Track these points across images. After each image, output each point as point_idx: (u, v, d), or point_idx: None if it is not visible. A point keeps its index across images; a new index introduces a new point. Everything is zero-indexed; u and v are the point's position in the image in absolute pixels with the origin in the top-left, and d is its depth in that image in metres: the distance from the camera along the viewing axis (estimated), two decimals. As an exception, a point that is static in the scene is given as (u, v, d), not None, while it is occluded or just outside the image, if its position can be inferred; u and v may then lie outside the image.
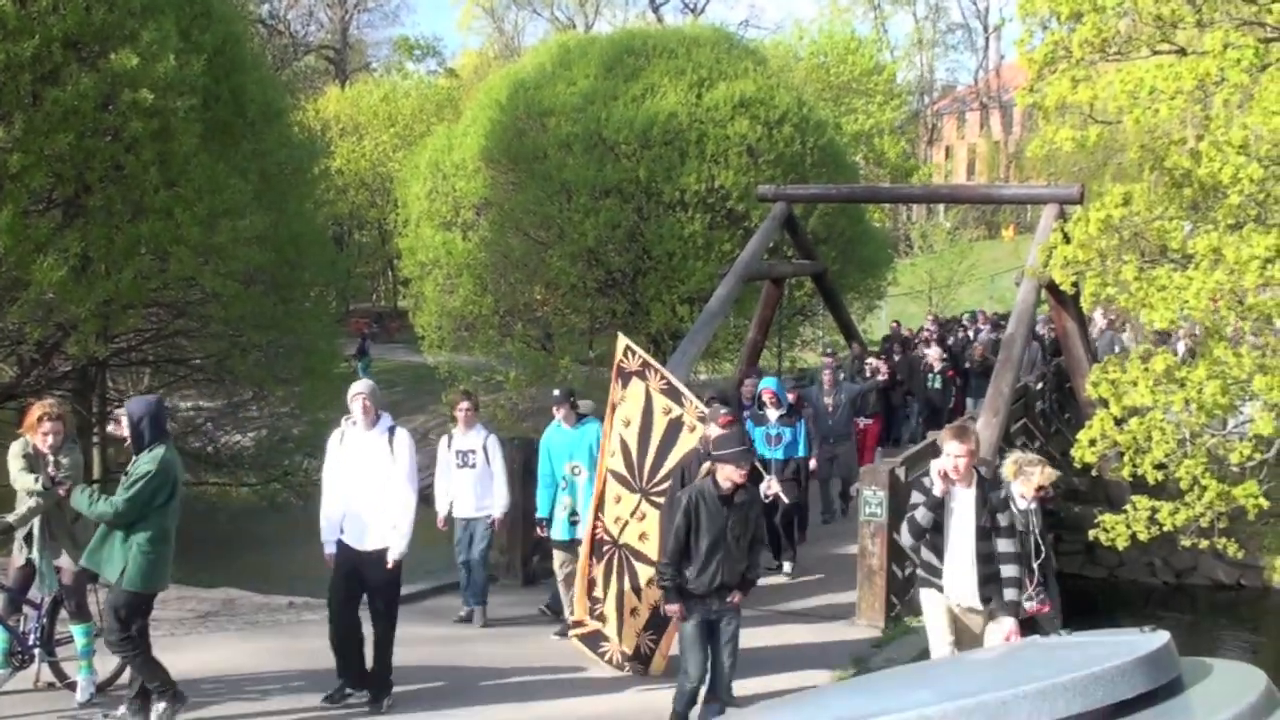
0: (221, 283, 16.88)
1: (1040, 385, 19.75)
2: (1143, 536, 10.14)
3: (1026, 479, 8.57)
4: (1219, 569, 17.07)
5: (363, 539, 8.07)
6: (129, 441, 7.38)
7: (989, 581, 7.38)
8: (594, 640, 9.41)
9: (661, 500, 8.91)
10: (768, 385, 13.47)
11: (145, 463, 7.25)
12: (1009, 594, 7.32)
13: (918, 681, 4.59)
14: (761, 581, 12.47)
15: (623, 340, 9.62)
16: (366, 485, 8.06)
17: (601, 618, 9.31)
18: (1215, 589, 17.23)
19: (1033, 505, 8.60)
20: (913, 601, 11.48)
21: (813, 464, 13.73)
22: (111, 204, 15.90)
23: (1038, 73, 9.67)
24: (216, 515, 21.47)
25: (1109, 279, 9.62)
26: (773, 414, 13.04)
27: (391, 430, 8.20)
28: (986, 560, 7.37)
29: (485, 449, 10.66)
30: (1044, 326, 21.50)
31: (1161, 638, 4.06)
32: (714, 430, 8.58)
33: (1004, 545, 7.39)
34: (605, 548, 9.31)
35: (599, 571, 9.34)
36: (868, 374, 19.03)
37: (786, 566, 13.06)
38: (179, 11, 16.81)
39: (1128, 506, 10.32)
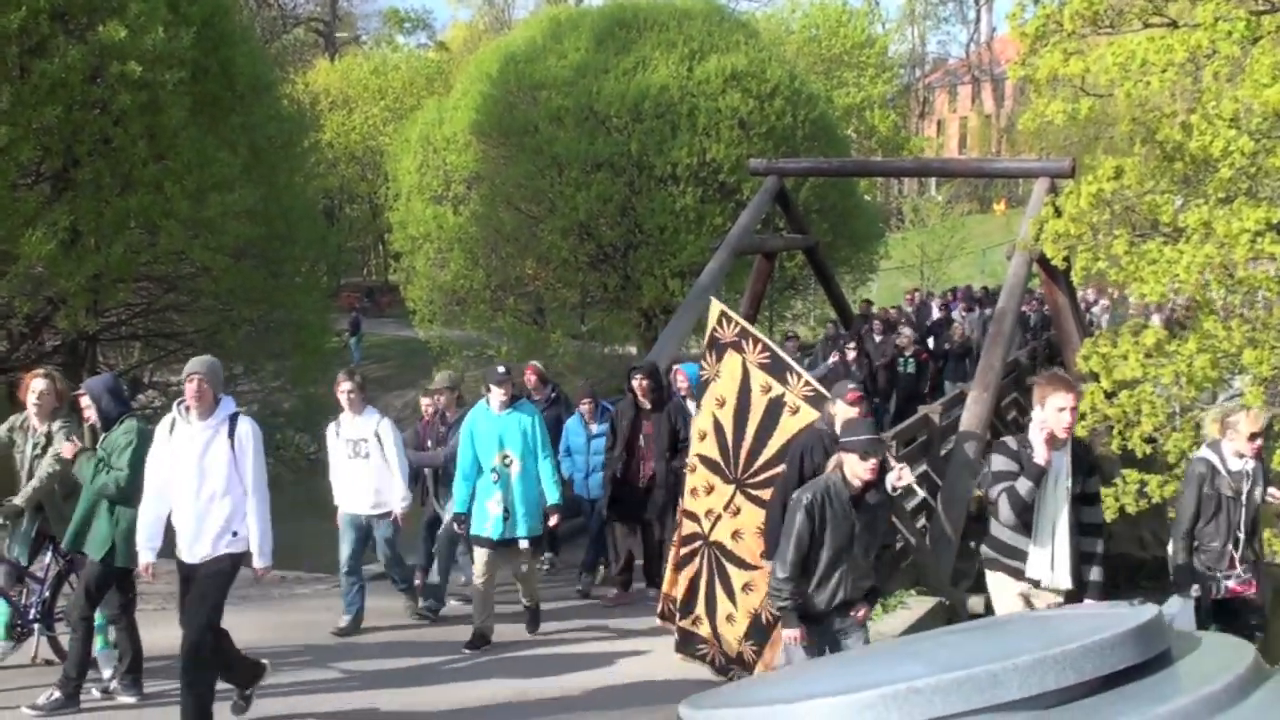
0: (211, 257, 16.83)
1: (1031, 360, 19.75)
2: (1131, 509, 10.20)
3: (1234, 431, 7.23)
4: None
5: (192, 549, 6.73)
6: (97, 421, 7.44)
7: (1086, 559, 6.54)
8: (689, 642, 8.41)
9: (758, 494, 7.82)
10: (682, 370, 11.62)
11: (122, 434, 7.27)
12: (1095, 573, 6.52)
13: (907, 654, 4.61)
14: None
15: (716, 306, 8.36)
16: (197, 486, 6.66)
17: (695, 621, 8.27)
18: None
19: (1250, 464, 7.26)
20: (904, 575, 11.55)
21: None
22: (100, 177, 15.83)
23: (1030, 46, 9.66)
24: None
25: (1100, 253, 9.63)
26: (690, 406, 11.13)
27: (233, 420, 6.75)
28: (1081, 532, 6.51)
29: (378, 436, 9.31)
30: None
31: (1150, 610, 4.09)
32: (840, 410, 7.35)
33: (1093, 515, 6.60)
34: (695, 543, 8.22)
35: (688, 571, 8.30)
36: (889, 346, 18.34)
37: None
38: (167, -17, 16.70)
39: (1117, 480, 10.37)
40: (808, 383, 7.84)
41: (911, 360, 18.10)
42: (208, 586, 6.73)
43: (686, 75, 24.96)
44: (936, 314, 23.27)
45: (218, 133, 17.60)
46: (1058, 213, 10.21)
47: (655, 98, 24.55)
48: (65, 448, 7.66)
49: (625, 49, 25.62)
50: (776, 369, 7.90)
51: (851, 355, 17.07)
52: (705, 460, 8.13)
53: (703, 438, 8.15)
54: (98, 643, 7.69)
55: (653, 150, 24.40)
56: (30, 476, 7.88)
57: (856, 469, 6.31)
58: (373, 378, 35.16)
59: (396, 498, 9.36)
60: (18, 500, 7.84)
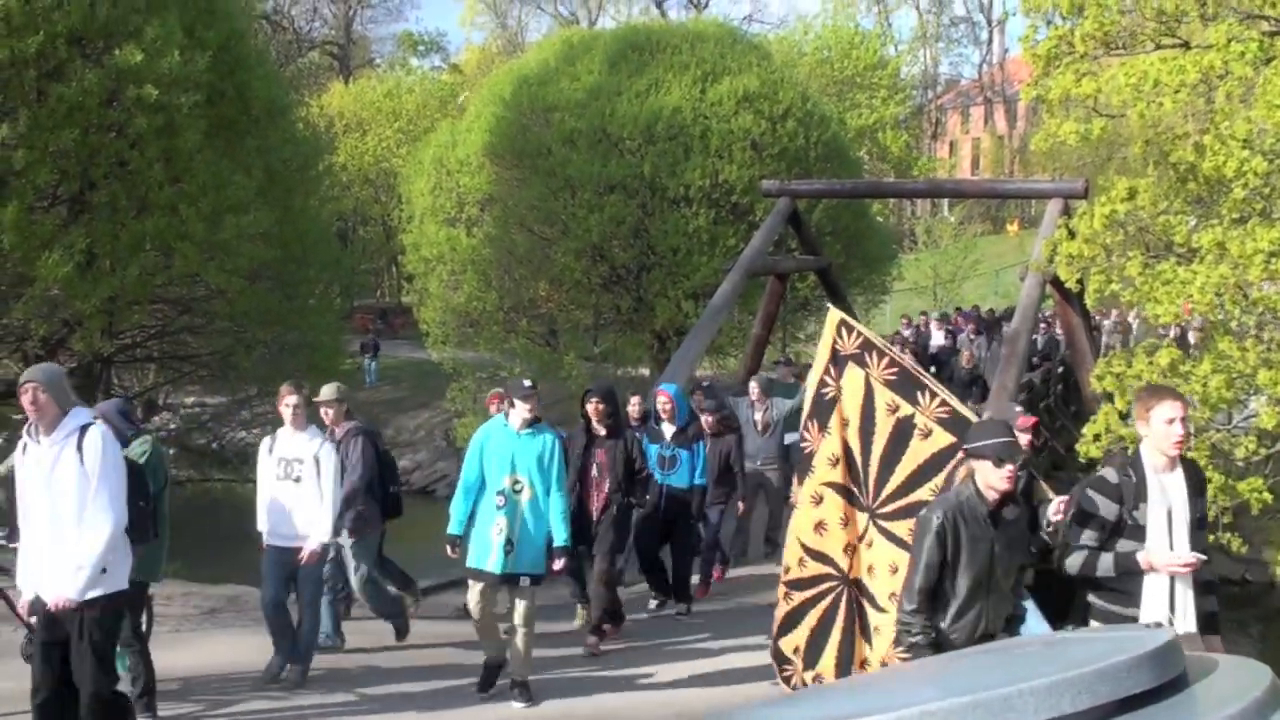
0: (226, 279, 16.90)
1: (1044, 382, 19.70)
2: (1148, 531, 10.13)
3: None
4: (1223, 563, 17.05)
5: (51, 587, 5.88)
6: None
7: (1203, 590, 5.64)
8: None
9: (888, 526, 6.94)
10: (665, 390, 11.28)
11: (137, 447, 7.37)
12: (1212, 603, 5.69)
13: (920, 678, 4.59)
14: (767, 583, 12.54)
15: (835, 315, 7.32)
16: (49, 513, 5.90)
17: (818, 678, 7.14)
18: (1220, 584, 17.20)
19: None
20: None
21: (739, 506, 12.06)
22: (116, 200, 15.92)
23: (1043, 67, 9.67)
24: (221, 512, 21.50)
25: (1114, 274, 9.62)
26: (667, 429, 10.87)
27: (82, 432, 5.85)
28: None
29: (317, 460, 8.38)
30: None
31: (1166, 634, 4.06)
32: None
33: (1203, 540, 5.67)
34: (826, 584, 7.11)
35: (813, 618, 7.16)
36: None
37: (674, 609, 11.12)
38: (183, 8, 16.82)
39: (1132, 501, 10.31)
40: (943, 403, 6.90)
41: None
42: (86, 651, 5.89)
43: (699, 97, 25.02)
44: (940, 339, 22.36)
45: (233, 156, 17.70)
46: (1071, 235, 10.21)
47: (668, 120, 24.61)
48: None
49: (638, 71, 25.70)
50: (905, 387, 6.97)
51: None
52: (838, 488, 7.05)
53: (834, 463, 7.06)
54: (120, 662, 7.70)
55: (665, 172, 24.44)
56: None
57: (991, 478, 5.44)
58: (386, 399, 35.46)
59: (317, 531, 8.33)
60: None
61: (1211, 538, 10.37)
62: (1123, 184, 9.88)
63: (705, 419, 11.49)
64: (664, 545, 11.05)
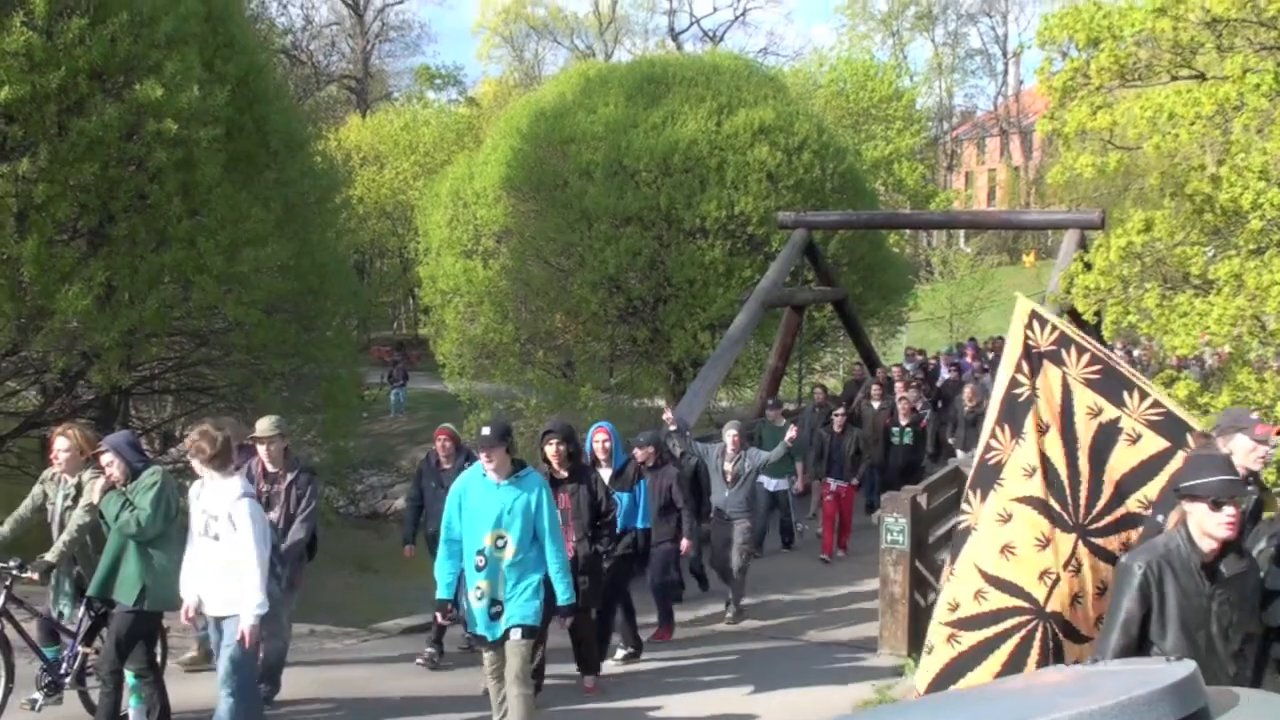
0: (244, 311, 16.95)
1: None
2: (1167, 563, 10.07)
3: None
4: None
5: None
6: (118, 476, 7.54)
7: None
8: None
9: (1100, 543, 5.92)
10: (604, 428, 10.65)
11: (148, 476, 7.42)
12: None
13: (943, 709, 4.56)
14: (785, 610, 12.52)
15: (1024, 305, 6.32)
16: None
17: None
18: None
19: None
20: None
21: (684, 544, 11.22)
22: (135, 233, 16.00)
23: (1058, 100, 9.69)
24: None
25: (1131, 306, 9.60)
26: (604, 473, 10.19)
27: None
28: None
29: (231, 518, 7.10)
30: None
31: (1188, 666, 4.04)
32: (1239, 446, 5.54)
33: None
34: (1015, 619, 5.94)
35: (999, 657, 5.96)
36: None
37: (618, 654, 10.60)
38: (203, 43, 16.94)
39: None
40: (1155, 403, 5.97)
41: (909, 430, 16.16)
42: None
43: (715, 129, 25.11)
44: (945, 373, 21.46)
45: (251, 189, 17.78)
46: (1088, 267, 10.20)
47: (684, 152, 24.70)
48: (95, 486, 7.75)
49: (654, 104, 25.81)
50: (1109, 387, 6.01)
51: (839, 424, 15.16)
52: (1035, 503, 5.95)
53: (1030, 474, 5.99)
54: (131, 699, 7.71)
55: (682, 204, 24.52)
56: (62, 528, 7.96)
57: (1207, 524, 4.58)
58: (402, 430, 35.50)
59: (247, 605, 7.02)
60: (50, 556, 7.91)
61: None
62: (1139, 215, 9.88)
63: (636, 453, 11.02)
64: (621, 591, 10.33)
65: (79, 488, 7.95)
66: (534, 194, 26.47)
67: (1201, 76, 9.50)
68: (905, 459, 16.09)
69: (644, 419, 25.37)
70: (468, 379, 29.03)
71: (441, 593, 7.53)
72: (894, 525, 11.00)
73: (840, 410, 15.61)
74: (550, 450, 9.25)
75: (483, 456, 7.32)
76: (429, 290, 29.71)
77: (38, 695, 7.95)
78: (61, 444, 8.02)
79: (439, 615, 7.72)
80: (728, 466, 12.16)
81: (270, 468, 8.57)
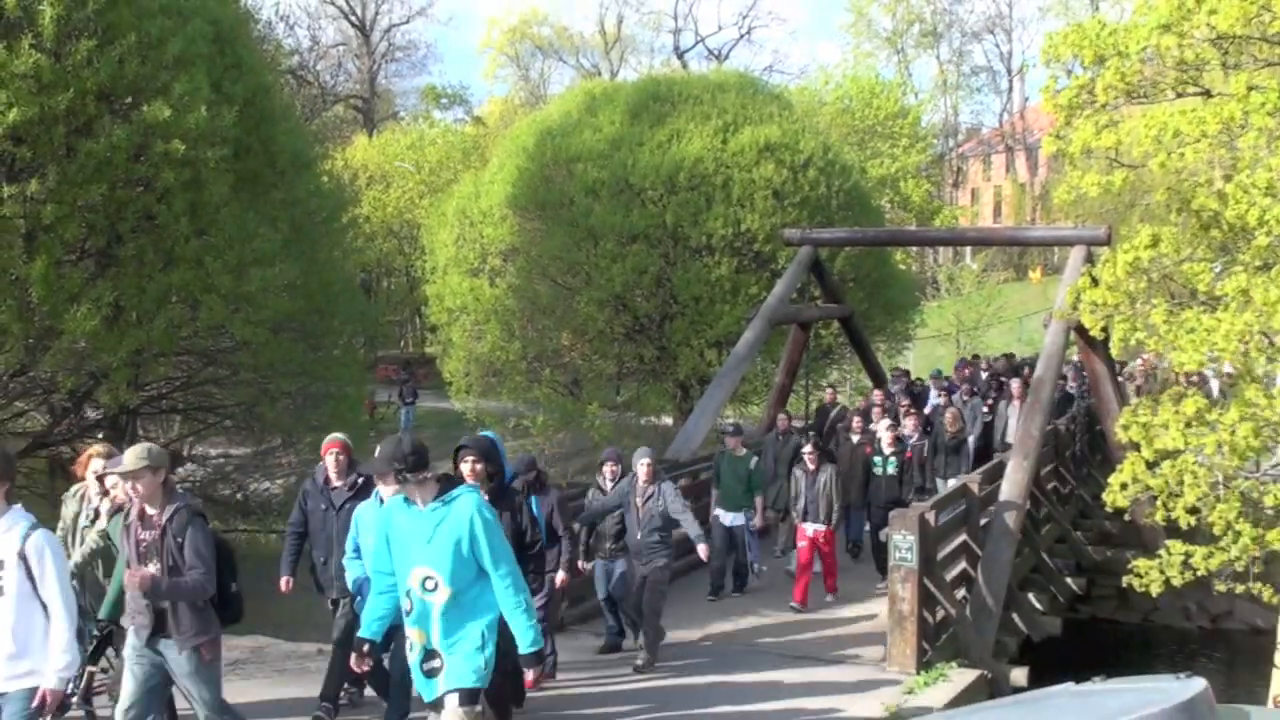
0: (251, 331, 16.99)
1: (1069, 429, 19.52)
2: (1176, 581, 10.07)
3: None
4: (1255, 614, 16.85)
5: None
6: (125, 501, 7.52)
7: None
8: None
9: None
10: (486, 438, 9.10)
11: None
12: None
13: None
14: (793, 629, 12.48)
15: None
16: None
17: None
18: (1252, 634, 17.00)
19: None
20: (945, 647, 11.41)
21: (559, 576, 10.00)
22: (143, 253, 16.05)
23: (1064, 118, 9.70)
24: (245, 563, 21.46)
25: (1138, 322, 9.59)
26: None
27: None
28: None
29: (23, 560, 5.80)
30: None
31: (1198, 684, 4.02)
32: None
33: None
34: None
35: None
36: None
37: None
38: (211, 64, 17.02)
39: (1161, 551, 10.25)
40: None
41: (892, 460, 14.54)
42: None
43: (721, 147, 25.16)
44: (934, 398, 19.60)
45: (259, 209, 17.84)
46: (1094, 282, 10.20)
47: (690, 169, 24.74)
48: (103, 508, 7.77)
49: (660, 122, 25.87)
50: None
51: (812, 460, 13.45)
52: None
53: None
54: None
55: (688, 221, 24.55)
56: (78, 542, 7.99)
57: None
58: (410, 449, 35.46)
59: (52, 668, 5.85)
60: None
61: (1242, 587, 10.31)
62: (1146, 231, 9.88)
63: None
64: None
65: (97, 512, 7.97)
66: (540, 212, 26.52)
67: (1207, 93, 9.51)
68: (888, 494, 14.31)
69: (651, 437, 25.37)
70: (474, 397, 29.05)
71: (363, 630, 6.49)
72: (902, 543, 10.97)
73: (810, 445, 13.71)
74: (466, 469, 8.23)
75: (381, 484, 6.50)
76: (436, 309, 29.75)
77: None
78: (101, 464, 8.00)
79: (356, 659, 6.50)
80: (639, 501, 10.99)
81: (148, 510, 6.81)
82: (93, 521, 7.99)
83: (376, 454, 6.25)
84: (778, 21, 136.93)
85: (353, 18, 63.06)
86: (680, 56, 65.91)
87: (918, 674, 10.71)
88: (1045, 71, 10.28)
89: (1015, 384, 18.50)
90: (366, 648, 6.45)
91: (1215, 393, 14.64)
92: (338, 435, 9.28)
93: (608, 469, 11.40)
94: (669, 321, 25.23)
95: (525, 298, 26.69)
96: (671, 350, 25.18)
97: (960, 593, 12.50)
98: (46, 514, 8.49)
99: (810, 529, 13.29)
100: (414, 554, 6.16)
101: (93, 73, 14.95)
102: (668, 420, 27.25)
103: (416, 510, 6.18)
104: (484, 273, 28.39)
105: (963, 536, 13.08)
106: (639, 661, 10.77)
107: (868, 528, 15.00)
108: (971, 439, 17.12)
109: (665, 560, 10.96)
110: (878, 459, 14.60)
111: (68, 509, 8.20)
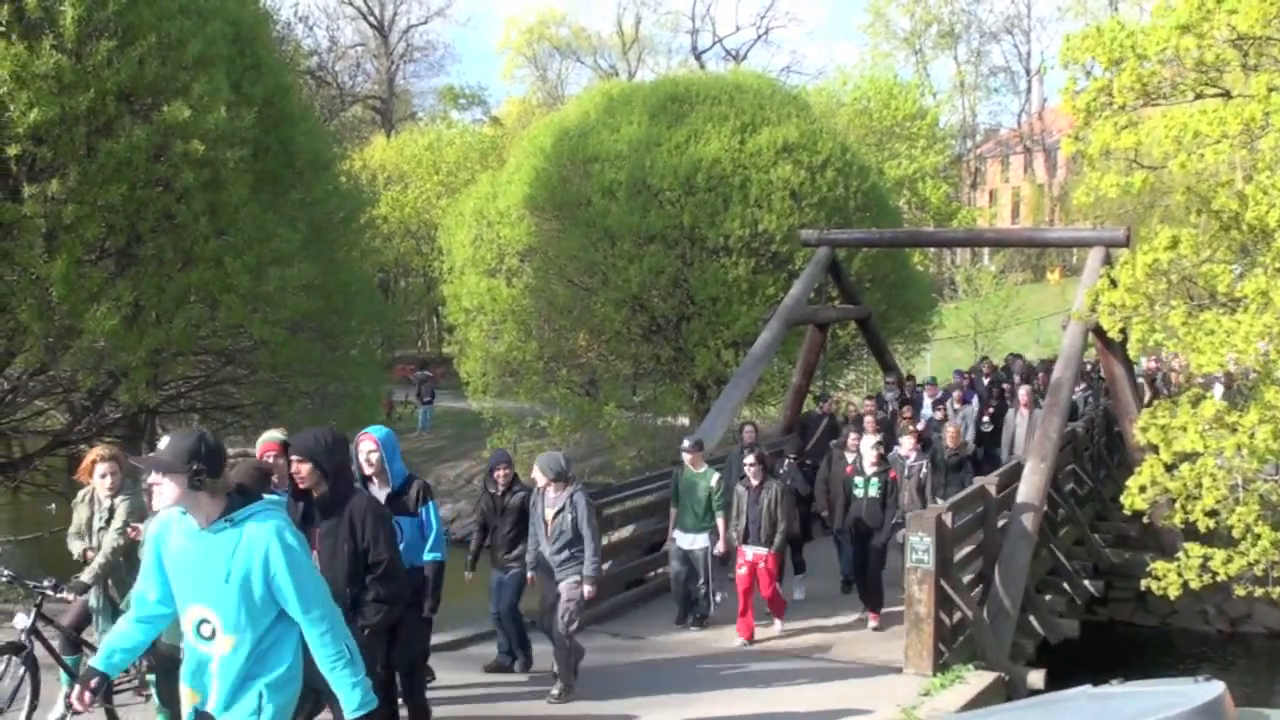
0: (269, 330, 17.05)
1: (1088, 431, 19.43)
2: (1195, 585, 10.04)
3: None
4: (1275, 617, 16.78)
5: None
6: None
7: None
8: None
9: None
10: (372, 435, 8.16)
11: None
12: None
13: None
14: (808, 631, 12.47)
15: None
16: None
17: None
18: (1271, 637, 16.92)
19: None
20: (961, 649, 11.39)
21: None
22: (163, 253, 16.11)
23: (1083, 119, 9.67)
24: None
25: (1157, 324, 9.56)
26: (378, 493, 7.95)
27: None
28: None
29: None
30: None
31: (1216, 688, 4.01)
32: None
33: None
34: None
35: None
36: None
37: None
38: (230, 64, 17.07)
39: (1180, 554, 10.21)
40: None
41: (874, 480, 12.69)
42: None
43: (738, 148, 25.15)
44: (929, 410, 18.50)
45: (278, 209, 17.89)
46: (1113, 284, 10.17)
47: (707, 170, 24.74)
48: (122, 508, 7.83)
49: (677, 122, 25.87)
50: None
51: (755, 474, 12.03)
52: None
53: None
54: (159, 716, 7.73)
55: (705, 222, 24.56)
56: (94, 547, 8.04)
57: None
58: (426, 449, 35.59)
59: None
60: (85, 577, 7.98)
61: (1261, 591, 10.26)
62: (1165, 232, 9.84)
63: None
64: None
65: (112, 510, 8.02)
66: (557, 213, 26.55)
67: (1227, 94, 9.47)
68: (870, 520, 12.64)
69: (668, 437, 25.38)
70: (491, 397, 29.10)
71: (95, 661, 5.16)
72: (919, 544, 10.94)
73: (753, 458, 12.14)
74: (295, 470, 6.73)
75: (154, 485, 5.31)
76: (453, 309, 29.81)
77: (64, 710, 7.99)
78: (105, 466, 8.06)
79: (78, 688, 4.99)
80: (548, 514, 9.92)
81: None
82: (107, 522, 8.04)
83: (162, 446, 4.88)
84: (795, 22, 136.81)
85: (371, 18, 63.26)
86: (698, 57, 65.96)
87: (934, 676, 10.69)
88: (1064, 72, 10.22)
89: (1024, 391, 17.50)
90: (95, 681, 5.02)
91: (1218, 395, 14.50)
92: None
93: (500, 474, 10.54)
94: (686, 322, 25.23)
95: (542, 298, 26.73)
96: (688, 351, 25.19)
97: (977, 595, 12.46)
98: (65, 514, 8.55)
99: (750, 552, 11.86)
100: (190, 588, 4.87)
101: (113, 73, 15.00)
102: (684, 420, 27.25)
103: (196, 530, 4.85)
104: (501, 273, 28.44)
105: (980, 538, 13.05)
106: (554, 691, 9.80)
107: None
108: (968, 450, 16.06)
109: (578, 577, 9.79)
110: (858, 479, 12.79)
111: (79, 514, 8.25)
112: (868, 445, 12.98)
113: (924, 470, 13.55)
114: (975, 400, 18.90)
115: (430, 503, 8.13)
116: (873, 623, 12.58)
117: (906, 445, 13.87)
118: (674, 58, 70.24)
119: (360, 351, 21.52)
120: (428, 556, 8.04)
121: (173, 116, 15.32)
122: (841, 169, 26.02)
